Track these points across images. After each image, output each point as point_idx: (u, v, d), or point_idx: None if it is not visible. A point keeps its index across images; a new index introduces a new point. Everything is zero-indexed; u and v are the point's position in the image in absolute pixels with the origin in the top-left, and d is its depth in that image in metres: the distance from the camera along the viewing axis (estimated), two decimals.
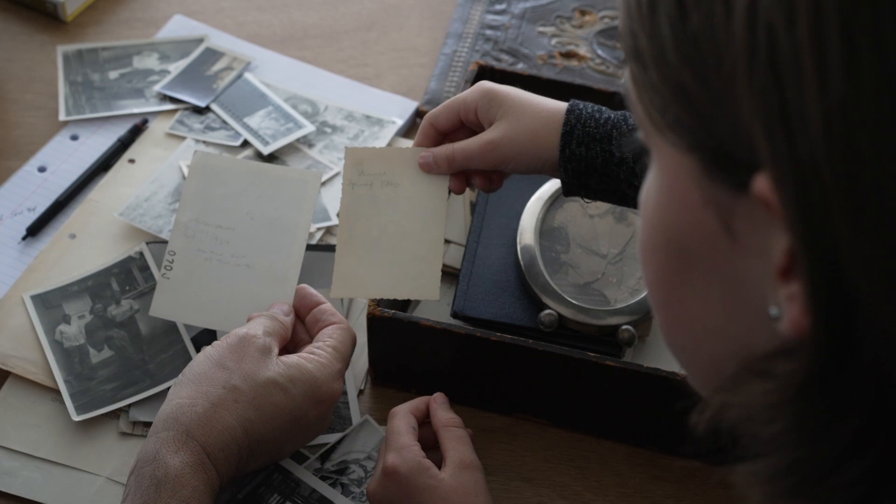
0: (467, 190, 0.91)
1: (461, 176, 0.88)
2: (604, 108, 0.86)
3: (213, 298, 0.91)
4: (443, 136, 0.89)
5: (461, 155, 0.86)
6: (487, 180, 0.88)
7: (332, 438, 0.90)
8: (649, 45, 0.46)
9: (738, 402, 0.47)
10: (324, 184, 1.08)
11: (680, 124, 0.45)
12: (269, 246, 0.90)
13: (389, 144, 1.13)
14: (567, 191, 0.86)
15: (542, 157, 0.85)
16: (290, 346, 0.87)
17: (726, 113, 0.43)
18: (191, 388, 0.78)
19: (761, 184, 0.42)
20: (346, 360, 0.84)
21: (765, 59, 0.41)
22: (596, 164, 0.84)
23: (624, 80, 0.50)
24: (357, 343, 0.96)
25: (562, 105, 0.85)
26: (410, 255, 0.86)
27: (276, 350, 0.82)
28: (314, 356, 0.82)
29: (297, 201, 0.92)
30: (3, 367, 0.93)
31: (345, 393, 0.93)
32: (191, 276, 0.91)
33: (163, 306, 0.91)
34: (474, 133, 0.88)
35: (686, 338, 0.52)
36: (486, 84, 0.87)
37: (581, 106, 0.85)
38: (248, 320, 0.85)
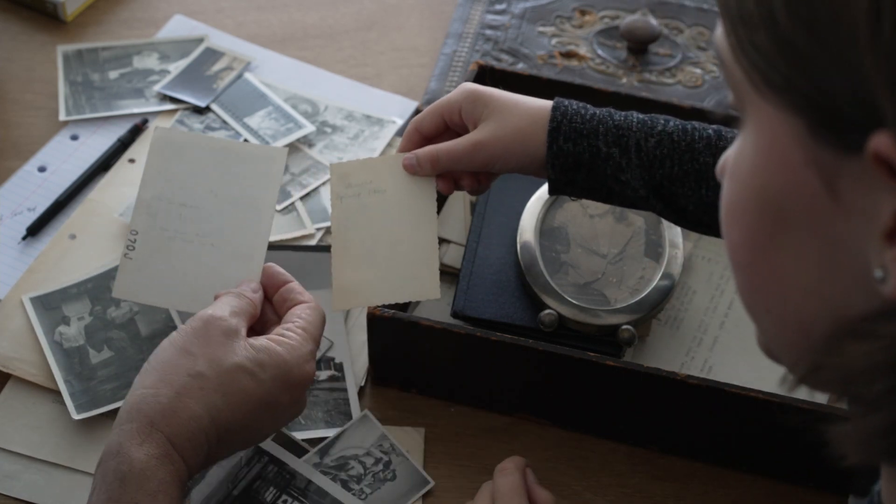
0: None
1: (448, 178, 0.88)
2: (588, 104, 0.86)
3: (177, 278, 0.88)
4: (427, 140, 0.89)
5: (447, 156, 0.86)
6: (475, 181, 0.88)
7: (331, 433, 0.90)
8: (756, 4, 0.46)
9: (836, 363, 0.47)
10: (323, 184, 1.08)
11: (789, 84, 0.46)
12: (234, 224, 0.87)
13: (389, 144, 1.13)
14: (553, 188, 0.86)
15: (530, 154, 0.85)
16: (257, 326, 0.84)
17: (844, 72, 0.43)
18: (154, 376, 0.76)
19: (880, 143, 0.42)
20: (316, 340, 0.82)
21: (891, 22, 0.41)
22: (583, 160, 0.84)
23: (716, 40, 0.51)
24: (357, 341, 0.96)
25: (547, 103, 0.86)
26: (406, 258, 0.85)
27: (243, 331, 0.79)
28: (284, 339, 0.79)
29: (262, 178, 0.90)
30: (4, 370, 0.93)
31: (345, 390, 0.93)
32: (154, 255, 0.88)
33: (126, 287, 0.88)
34: (459, 136, 0.88)
35: (773, 300, 0.52)
36: (469, 85, 0.88)
37: (566, 103, 0.85)
38: (215, 298, 0.83)
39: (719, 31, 0.50)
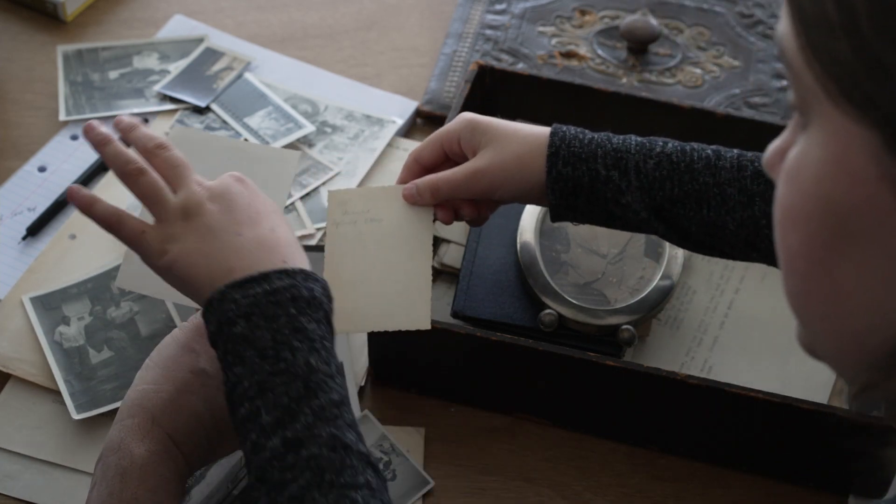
0: None
1: (448, 207, 0.88)
2: (586, 129, 0.86)
3: None
4: (427, 171, 0.88)
5: (446, 185, 0.86)
6: (475, 210, 0.88)
7: None
8: (838, 12, 0.44)
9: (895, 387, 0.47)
10: (323, 184, 1.09)
11: (870, 101, 0.44)
12: None
13: (390, 144, 1.13)
14: (555, 214, 0.86)
15: (530, 181, 0.85)
16: None
17: None
18: (156, 372, 0.76)
19: None
20: None
21: None
22: (583, 184, 0.84)
23: (780, 37, 0.48)
24: (358, 341, 0.96)
25: (545, 129, 0.86)
26: (399, 287, 0.85)
27: None
28: None
29: (273, 180, 0.90)
30: (4, 370, 0.93)
31: (345, 389, 0.93)
32: None
33: (128, 278, 0.88)
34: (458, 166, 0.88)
35: (827, 309, 0.51)
36: (467, 114, 0.88)
37: (564, 129, 0.85)
38: None
39: (785, 28, 0.48)
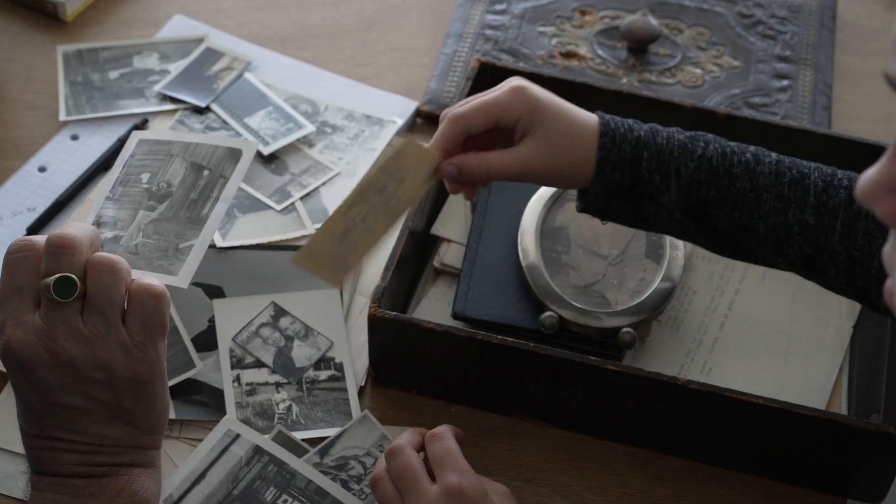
0: None
1: (473, 187, 0.85)
2: (632, 125, 0.83)
3: None
4: (468, 142, 0.84)
5: (497, 173, 0.82)
6: (475, 191, 0.87)
7: (331, 433, 0.90)
8: None
9: None
10: (323, 184, 1.09)
11: None
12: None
13: (389, 144, 1.13)
14: (584, 207, 0.85)
15: (576, 176, 0.83)
16: None
17: None
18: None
19: None
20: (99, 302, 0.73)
21: None
22: (624, 188, 0.83)
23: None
24: (357, 341, 0.96)
25: (594, 120, 0.83)
26: (348, 241, 0.80)
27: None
28: None
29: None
30: (4, 370, 0.93)
31: (345, 390, 0.94)
32: None
33: None
34: (500, 135, 0.84)
35: None
36: (525, 91, 0.82)
37: (613, 126, 0.82)
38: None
39: None
